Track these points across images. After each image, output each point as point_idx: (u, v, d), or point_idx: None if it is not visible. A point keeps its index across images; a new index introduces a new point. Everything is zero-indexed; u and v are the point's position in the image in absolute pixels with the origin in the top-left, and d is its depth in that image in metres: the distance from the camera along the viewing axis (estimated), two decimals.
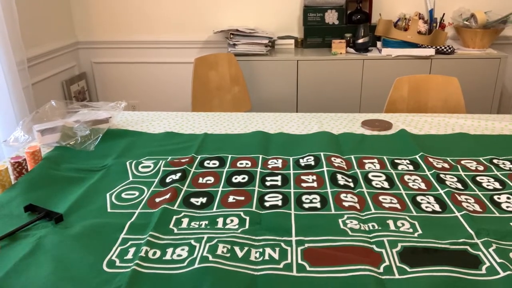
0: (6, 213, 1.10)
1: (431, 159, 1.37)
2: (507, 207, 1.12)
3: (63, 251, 0.96)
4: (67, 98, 3.08)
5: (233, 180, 1.26)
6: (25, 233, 1.02)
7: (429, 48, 2.70)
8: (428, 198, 1.16)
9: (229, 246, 0.96)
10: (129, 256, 0.94)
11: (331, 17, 2.90)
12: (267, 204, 1.13)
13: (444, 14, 2.89)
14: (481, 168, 1.33)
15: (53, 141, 1.50)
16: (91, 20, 3.20)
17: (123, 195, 1.19)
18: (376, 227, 1.03)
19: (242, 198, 1.16)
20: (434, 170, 1.30)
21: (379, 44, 2.87)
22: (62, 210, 1.11)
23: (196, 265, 0.90)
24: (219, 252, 0.93)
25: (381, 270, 0.89)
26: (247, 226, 1.04)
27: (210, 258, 0.91)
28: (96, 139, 1.51)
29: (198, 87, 2.55)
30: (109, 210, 1.12)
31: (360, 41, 2.78)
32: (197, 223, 1.06)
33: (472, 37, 2.76)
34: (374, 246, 0.96)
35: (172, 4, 3.12)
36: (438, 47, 2.70)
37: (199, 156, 1.42)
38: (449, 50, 2.69)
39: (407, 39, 2.73)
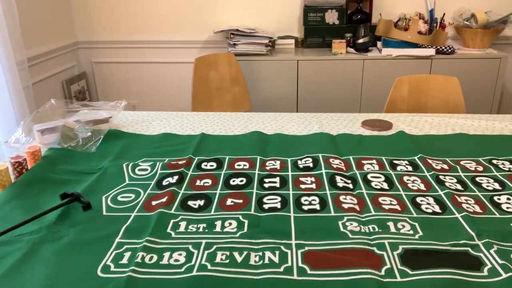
0: (0, 216, 1.09)
1: (430, 161, 1.37)
2: (507, 207, 1.12)
3: (57, 256, 0.95)
4: (67, 98, 3.07)
5: (231, 182, 1.26)
6: (19, 238, 1.01)
7: (429, 48, 2.69)
8: (428, 199, 1.16)
9: (228, 253, 0.95)
10: (124, 260, 0.93)
11: (331, 17, 2.90)
12: (266, 206, 1.13)
13: (444, 14, 2.89)
14: (480, 168, 1.33)
15: (53, 141, 1.49)
16: (91, 20, 3.20)
17: (119, 198, 1.19)
18: (377, 229, 1.02)
19: (241, 201, 1.15)
20: (433, 172, 1.29)
21: (379, 44, 2.86)
22: (57, 213, 1.10)
23: (194, 273, 0.89)
24: (217, 260, 0.93)
25: (383, 273, 0.88)
26: (245, 230, 1.03)
27: (209, 267, 0.90)
28: (98, 140, 1.50)
29: (198, 87, 2.54)
30: (104, 213, 1.12)
31: (360, 41, 2.78)
32: (195, 226, 1.05)
33: (472, 37, 2.76)
34: (374, 249, 0.96)
35: (172, 4, 3.11)
36: (438, 47, 2.69)
37: (196, 158, 1.41)
38: (449, 50, 2.68)
39: (407, 39, 2.72)
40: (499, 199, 1.16)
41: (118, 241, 1.00)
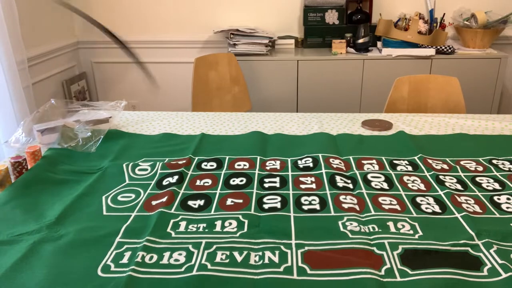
0: (0, 216, 1.09)
1: (430, 161, 1.37)
2: (507, 207, 1.12)
3: (57, 256, 0.95)
4: (67, 98, 3.07)
5: (231, 182, 1.26)
6: (19, 237, 1.01)
7: (429, 48, 2.69)
8: (427, 199, 1.16)
9: (228, 253, 0.95)
10: (125, 260, 0.93)
11: (331, 17, 2.90)
12: (265, 206, 1.13)
13: (444, 14, 2.89)
14: (480, 168, 1.33)
15: (53, 141, 1.49)
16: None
17: (119, 198, 1.19)
18: (376, 229, 1.02)
19: (241, 200, 1.15)
20: (433, 172, 1.30)
21: (379, 44, 2.86)
22: (57, 212, 1.10)
23: (194, 272, 0.89)
24: (217, 259, 0.93)
25: (383, 272, 0.89)
26: (245, 229, 1.03)
27: (209, 266, 0.91)
28: (98, 140, 1.50)
29: (198, 87, 2.54)
30: (104, 213, 1.12)
31: (360, 41, 2.78)
32: (195, 226, 1.05)
33: (472, 37, 2.76)
34: (374, 249, 0.96)
35: (172, 4, 3.11)
36: (438, 47, 2.69)
37: (197, 158, 1.41)
38: (449, 50, 2.68)
39: (407, 39, 2.72)
40: (499, 199, 1.16)
41: (118, 241, 1.00)
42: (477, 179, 1.27)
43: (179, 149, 1.48)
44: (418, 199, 1.16)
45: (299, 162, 1.37)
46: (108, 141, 1.54)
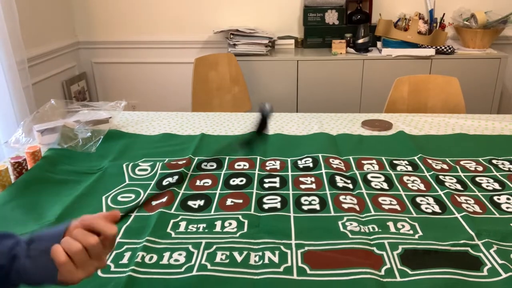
0: (1, 216, 1.09)
1: (429, 161, 1.37)
2: (507, 207, 1.12)
3: None
4: (67, 98, 3.07)
5: (231, 182, 1.26)
6: None
7: (429, 48, 2.69)
8: (427, 199, 1.16)
9: (228, 253, 0.95)
10: (124, 260, 0.93)
11: (331, 17, 2.90)
12: (265, 206, 1.13)
13: (444, 14, 2.88)
14: (480, 168, 1.33)
15: (53, 141, 1.49)
16: (92, 20, 3.20)
17: (119, 198, 1.19)
18: (376, 229, 1.02)
19: (241, 201, 1.16)
20: (433, 172, 1.29)
21: (379, 44, 2.86)
22: (57, 213, 1.10)
23: (194, 273, 0.89)
24: (217, 260, 0.93)
25: (382, 272, 0.89)
26: (245, 230, 1.03)
27: (209, 266, 0.91)
28: (98, 140, 1.50)
29: (198, 87, 2.54)
30: None
31: (360, 41, 2.78)
32: (195, 226, 1.05)
33: (472, 37, 2.76)
34: (374, 249, 0.96)
35: (172, 4, 3.11)
36: (438, 47, 2.69)
37: (196, 158, 1.41)
38: (449, 50, 2.68)
39: (407, 39, 2.72)
40: (499, 199, 1.16)
41: (118, 241, 1.00)
42: (477, 179, 1.27)
43: (179, 149, 1.48)
44: (418, 199, 1.16)
45: (299, 162, 1.37)
46: (108, 141, 1.53)
